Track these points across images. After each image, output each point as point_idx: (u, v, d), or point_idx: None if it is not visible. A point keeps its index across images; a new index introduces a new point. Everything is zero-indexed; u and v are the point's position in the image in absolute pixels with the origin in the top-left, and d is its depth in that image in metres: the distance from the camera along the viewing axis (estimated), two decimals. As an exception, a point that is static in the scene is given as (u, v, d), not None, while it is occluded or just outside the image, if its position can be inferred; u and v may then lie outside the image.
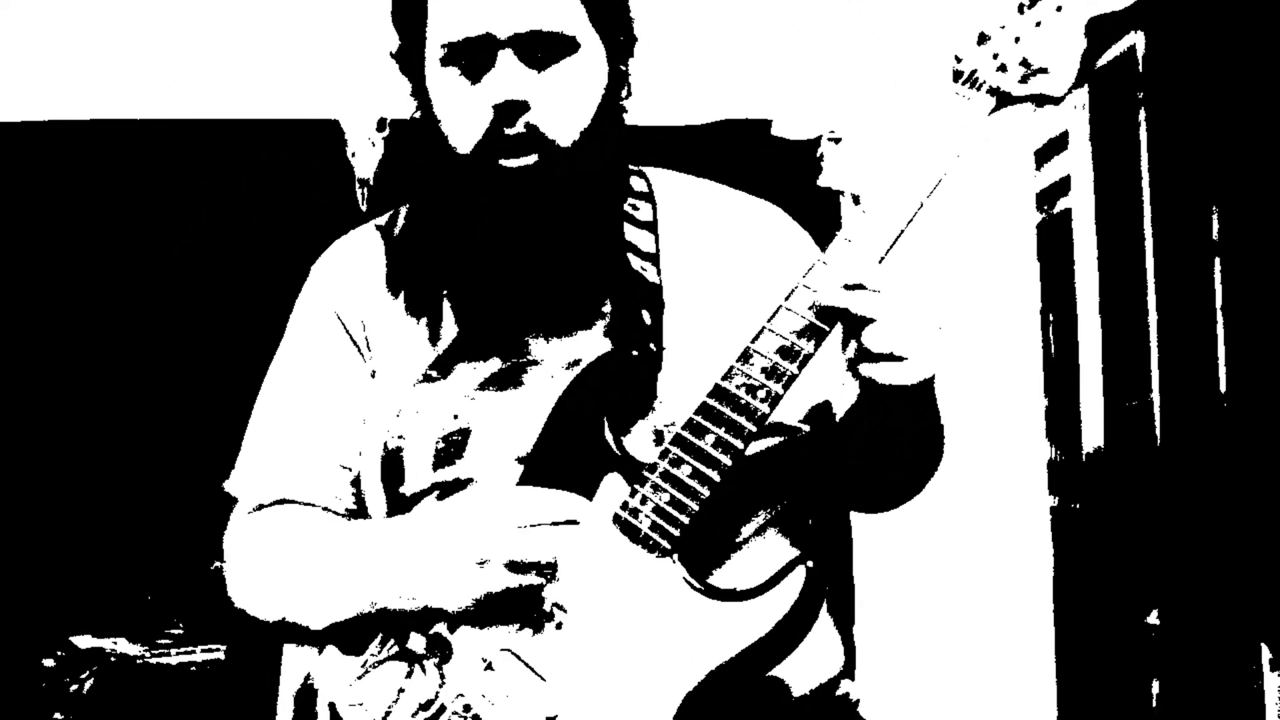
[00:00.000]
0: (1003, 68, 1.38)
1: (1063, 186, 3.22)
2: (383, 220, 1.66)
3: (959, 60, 1.39)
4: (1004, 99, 1.38)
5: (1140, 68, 2.92)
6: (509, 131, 1.43)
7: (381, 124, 2.57)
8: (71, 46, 2.56)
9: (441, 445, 1.49)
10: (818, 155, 2.61)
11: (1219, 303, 2.79)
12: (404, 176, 2.54)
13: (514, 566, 1.36)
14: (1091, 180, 3.12)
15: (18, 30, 2.56)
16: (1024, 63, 1.38)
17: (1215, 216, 2.80)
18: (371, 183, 2.58)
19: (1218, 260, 2.79)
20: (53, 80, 2.56)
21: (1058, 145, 3.20)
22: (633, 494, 1.38)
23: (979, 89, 1.38)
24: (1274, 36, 2.70)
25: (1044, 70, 1.38)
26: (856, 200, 2.57)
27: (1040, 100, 1.39)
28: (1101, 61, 3.03)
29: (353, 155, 2.59)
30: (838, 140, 2.61)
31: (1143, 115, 2.92)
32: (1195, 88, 2.84)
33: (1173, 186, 2.87)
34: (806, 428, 1.52)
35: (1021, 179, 2.69)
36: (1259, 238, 2.75)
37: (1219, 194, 2.80)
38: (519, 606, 1.37)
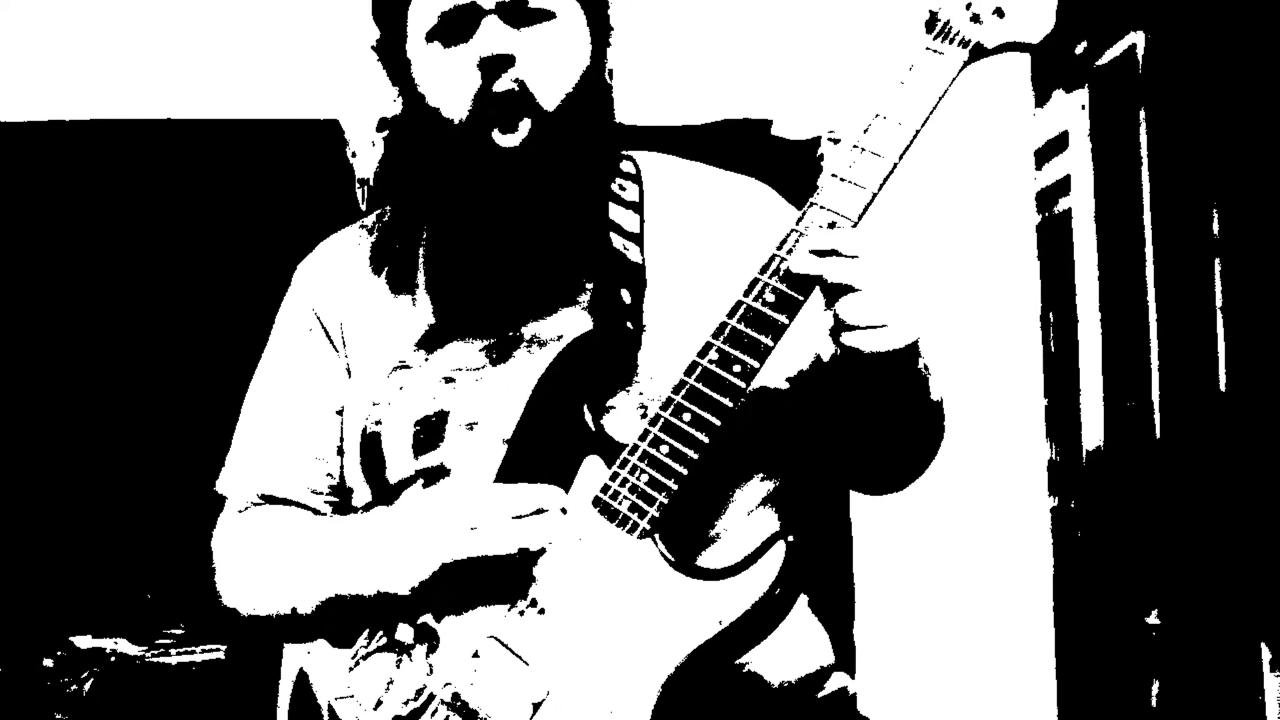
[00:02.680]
0: (976, 18, 1.35)
1: (1063, 186, 3.22)
2: (370, 220, 1.66)
3: (933, 14, 1.36)
4: (977, 51, 1.35)
5: (1140, 68, 2.92)
6: (498, 89, 1.43)
7: (381, 124, 2.57)
8: (71, 46, 2.56)
9: (419, 428, 1.48)
10: (818, 155, 2.61)
11: (1219, 303, 2.79)
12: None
13: (487, 562, 1.35)
14: (1091, 180, 3.12)
15: (18, 30, 2.56)
16: (998, 11, 1.35)
17: (1215, 216, 2.80)
18: (371, 183, 2.58)
19: (1218, 260, 2.79)
20: (53, 80, 2.56)
21: (1058, 145, 3.20)
22: (613, 476, 1.36)
23: (952, 41, 1.35)
24: (1274, 36, 2.70)
25: (1018, 17, 1.35)
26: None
27: (1015, 49, 1.36)
28: (1101, 61, 3.04)
29: (353, 155, 2.59)
30: (837, 140, 2.61)
31: (1143, 115, 2.92)
32: (1195, 88, 2.84)
33: (1173, 186, 2.87)
34: (791, 400, 1.50)
35: (1021, 179, 2.69)
36: (1259, 238, 2.75)
37: (1219, 194, 2.80)
38: (502, 594, 1.36)
